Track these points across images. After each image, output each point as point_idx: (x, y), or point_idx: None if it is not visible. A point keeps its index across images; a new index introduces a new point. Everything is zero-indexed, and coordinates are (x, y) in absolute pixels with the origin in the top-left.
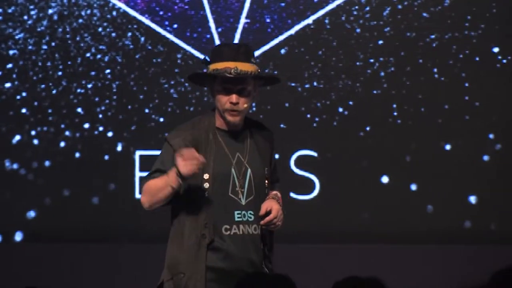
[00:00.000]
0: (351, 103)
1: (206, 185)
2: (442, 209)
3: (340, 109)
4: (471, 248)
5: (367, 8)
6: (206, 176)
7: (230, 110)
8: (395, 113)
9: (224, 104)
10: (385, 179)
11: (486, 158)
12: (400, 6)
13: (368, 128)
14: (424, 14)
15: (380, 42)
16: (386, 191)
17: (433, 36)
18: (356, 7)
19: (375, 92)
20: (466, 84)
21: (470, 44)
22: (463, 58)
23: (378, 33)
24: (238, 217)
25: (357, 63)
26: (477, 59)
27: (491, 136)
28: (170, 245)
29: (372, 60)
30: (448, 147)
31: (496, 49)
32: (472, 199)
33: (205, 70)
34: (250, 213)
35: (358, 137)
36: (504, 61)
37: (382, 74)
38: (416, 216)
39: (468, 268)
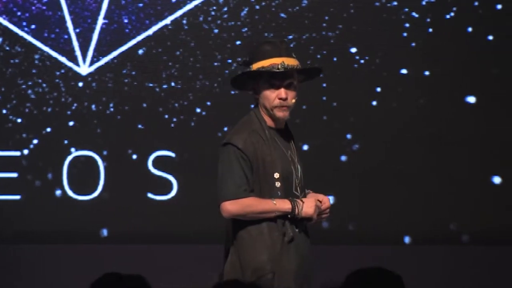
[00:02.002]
0: (209, 103)
1: (278, 184)
2: None
3: (198, 110)
4: (329, 249)
5: (225, 9)
6: (276, 175)
7: (280, 106)
8: None
9: (273, 101)
10: None
11: (343, 158)
12: (258, 7)
13: (226, 129)
14: (282, 15)
15: (238, 42)
16: None
17: (291, 37)
18: (214, 7)
19: (233, 92)
20: (324, 85)
21: (328, 45)
22: (320, 58)
23: (236, 33)
24: None
25: (215, 64)
26: (335, 59)
27: (348, 136)
28: (247, 245)
29: (230, 61)
30: (305, 147)
31: (353, 50)
32: (330, 199)
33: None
34: None
35: (216, 137)
36: (362, 61)
37: None
38: None
39: (327, 268)
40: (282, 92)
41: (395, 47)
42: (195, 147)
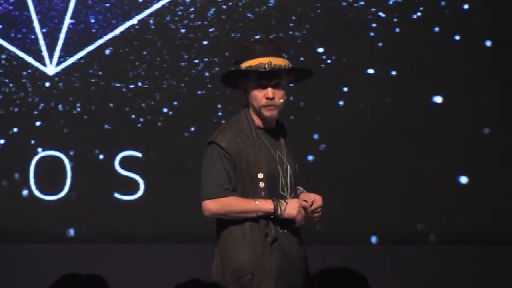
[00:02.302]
0: (175, 103)
1: (261, 184)
2: None
3: (165, 110)
4: None
5: (192, 9)
6: (260, 175)
7: (267, 105)
8: (220, 113)
9: (260, 100)
10: None
11: (310, 158)
12: (225, 7)
13: (193, 129)
14: (249, 15)
15: (205, 42)
16: None
17: (258, 37)
18: (181, 7)
19: (199, 92)
20: (291, 84)
21: (295, 44)
22: (288, 58)
23: (203, 33)
24: None
25: (182, 64)
26: (302, 59)
27: (315, 136)
28: (228, 245)
29: (197, 61)
30: None
31: (320, 49)
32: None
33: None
34: None
35: (183, 137)
36: (329, 61)
37: (207, 74)
38: None
39: None
40: (269, 91)
41: (362, 47)
42: (162, 147)
